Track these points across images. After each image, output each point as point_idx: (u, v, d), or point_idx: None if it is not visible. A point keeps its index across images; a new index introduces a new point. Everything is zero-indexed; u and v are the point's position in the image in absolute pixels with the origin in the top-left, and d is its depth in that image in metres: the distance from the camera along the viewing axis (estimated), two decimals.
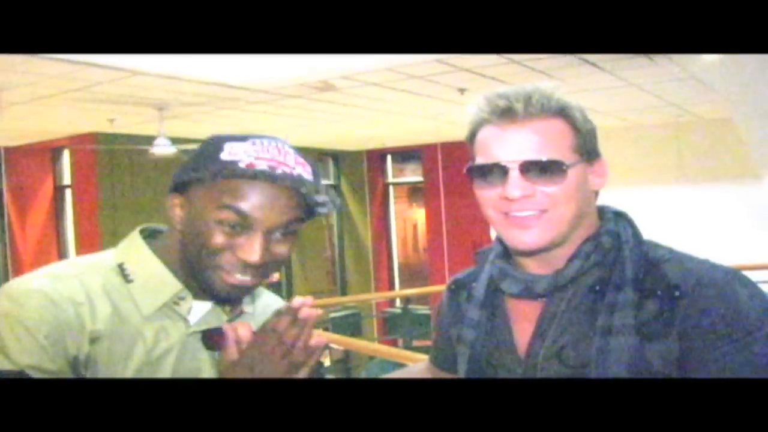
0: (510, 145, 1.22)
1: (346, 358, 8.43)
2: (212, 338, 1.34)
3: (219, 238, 1.25)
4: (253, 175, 1.23)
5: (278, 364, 1.21)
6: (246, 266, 1.26)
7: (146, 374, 1.26)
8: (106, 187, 8.90)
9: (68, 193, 10.06)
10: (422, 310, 10.82)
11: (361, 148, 12.82)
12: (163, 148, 7.59)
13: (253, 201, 1.24)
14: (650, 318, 1.15)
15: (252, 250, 1.25)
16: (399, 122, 9.30)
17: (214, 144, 1.27)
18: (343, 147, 12.52)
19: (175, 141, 7.69)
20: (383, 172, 13.39)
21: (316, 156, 11.82)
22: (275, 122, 8.74)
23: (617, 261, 1.23)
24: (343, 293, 12.74)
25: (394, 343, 9.33)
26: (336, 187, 13.05)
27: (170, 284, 1.31)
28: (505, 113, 1.23)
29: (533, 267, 1.30)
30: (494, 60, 5.78)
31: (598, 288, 1.23)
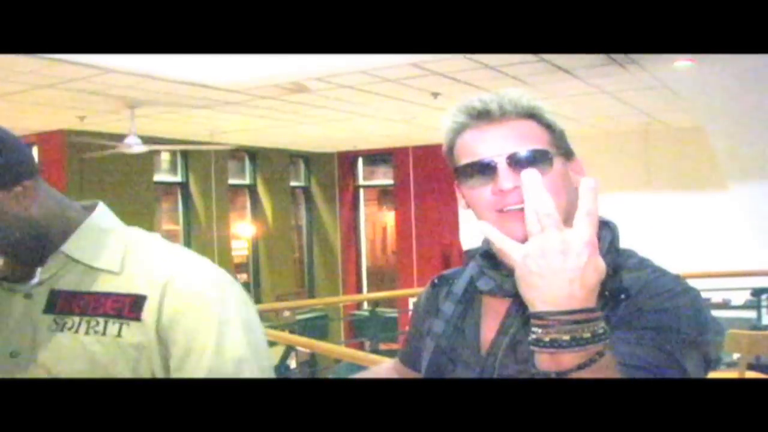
0: (492, 142, 1.26)
1: (312, 360, 8.42)
2: (55, 300, 1.33)
3: None
4: None
5: None
6: None
7: None
8: (75, 185, 8.79)
9: None
10: (390, 313, 10.80)
11: (333, 150, 12.80)
12: (133, 147, 7.52)
13: None
14: None
15: None
16: (371, 125, 9.30)
17: None
18: (315, 149, 12.49)
19: (146, 140, 7.63)
20: (354, 174, 13.37)
21: (287, 157, 11.95)
22: (247, 123, 8.71)
23: None
24: (311, 295, 12.69)
25: (360, 346, 9.33)
26: (306, 189, 13.04)
27: None
28: (482, 115, 1.27)
29: None
30: (468, 65, 5.81)
31: None
